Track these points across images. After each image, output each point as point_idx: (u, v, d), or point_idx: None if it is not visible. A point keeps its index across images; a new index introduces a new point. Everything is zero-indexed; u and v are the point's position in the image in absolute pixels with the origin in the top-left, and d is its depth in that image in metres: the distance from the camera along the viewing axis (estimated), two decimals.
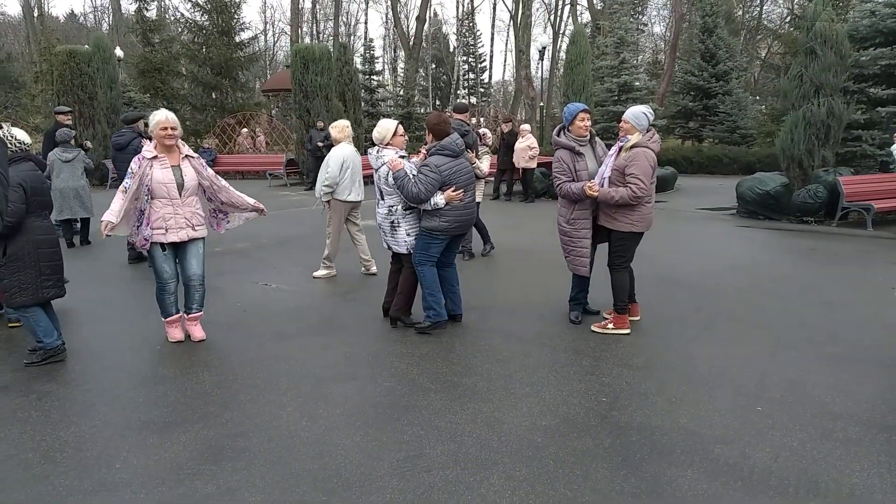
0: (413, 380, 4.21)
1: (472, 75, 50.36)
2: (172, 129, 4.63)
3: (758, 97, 30.21)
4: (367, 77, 28.03)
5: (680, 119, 24.12)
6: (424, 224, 5.00)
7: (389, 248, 5.30)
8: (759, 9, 37.92)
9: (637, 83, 18.94)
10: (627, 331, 5.11)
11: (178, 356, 4.69)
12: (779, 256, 8.24)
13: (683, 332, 5.17)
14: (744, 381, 4.17)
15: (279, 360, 4.58)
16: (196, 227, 4.83)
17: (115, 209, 4.53)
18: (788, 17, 30.70)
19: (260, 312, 5.82)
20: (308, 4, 46.75)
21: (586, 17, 40.26)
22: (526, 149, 13.87)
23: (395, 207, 5.10)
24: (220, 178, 5.06)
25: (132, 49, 31.45)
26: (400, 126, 5.21)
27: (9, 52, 38.85)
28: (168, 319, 4.98)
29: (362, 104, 23.63)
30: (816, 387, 4.07)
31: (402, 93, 30.79)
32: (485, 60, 51.30)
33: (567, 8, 43.49)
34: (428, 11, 38.09)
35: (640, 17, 41.81)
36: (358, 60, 29.86)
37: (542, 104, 23.22)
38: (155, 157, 4.61)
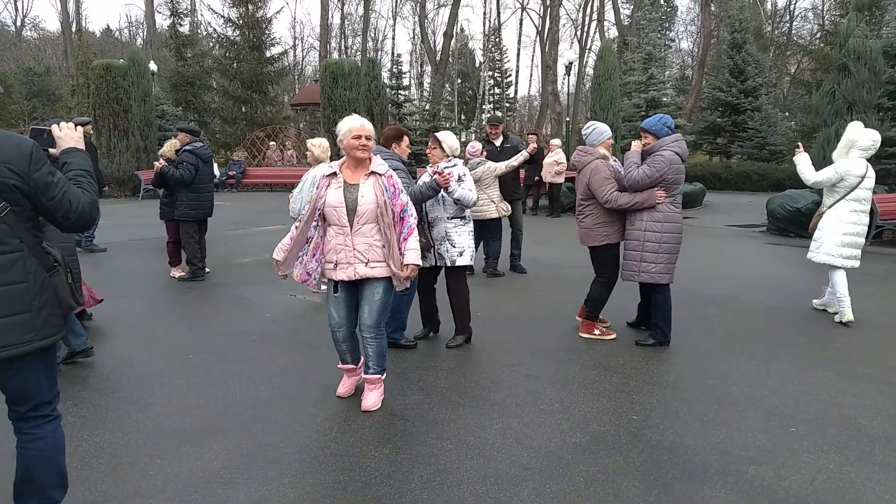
0: (441, 393, 4.21)
1: (497, 90, 50.53)
2: (367, 138, 3.74)
3: (787, 113, 29.87)
4: (395, 92, 28.31)
5: (708, 135, 23.98)
6: None
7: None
8: (788, 25, 37.63)
9: (665, 98, 18.91)
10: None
11: (210, 367, 4.75)
12: (810, 275, 8.10)
13: (714, 351, 5.11)
14: (777, 401, 4.10)
15: (308, 371, 4.62)
16: (372, 264, 3.79)
17: (283, 243, 3.93)
18: (819, 34, 30.35)
19: (289, 323, 5.88)
20: (337, 20, 47.47)
21: (613, 32, 40.29)
22: (553, 163, 13.88)
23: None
24: (413, 214, 3.92)
25: (165, 63, 32.18)
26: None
27: (47, 67, 39.94)
28: (342, 367, 4.16)
29: (390, 118, 23.86)
30: (852, 409, 3.98)
31: (428, 107, 30.98)
32: (510, 75, 51.44)
33: (594, 24, 43.59)
34: (455, 27, 38.41)
35: (668, 32, 41.70)
36: (385, 75, 30.18)
37: (567, 119, 23.20)
38: (333, 174, 3.80)
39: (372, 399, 3.96)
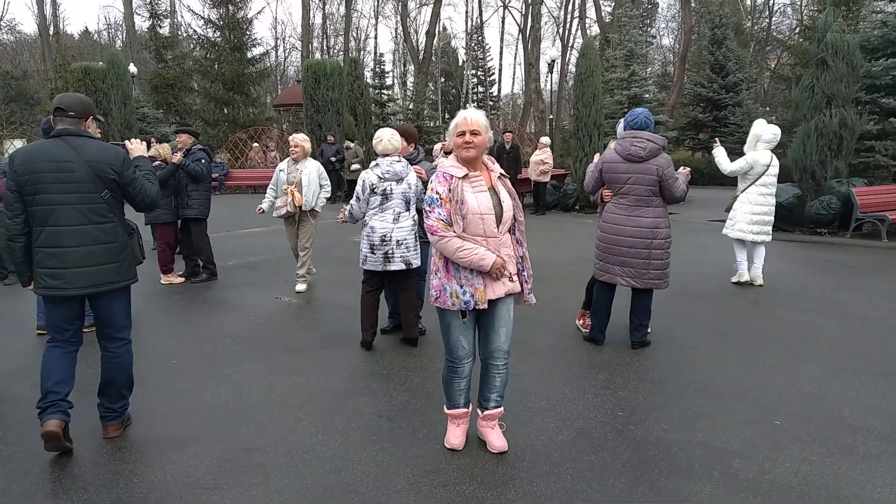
0: (428, 394, 4.20)
1: (481, 88, 50.57)
2: (473, 133, 3.16)
3: (768, 108, 30.13)
4: (378, 91, 28.23)
5: (690, 131, 24.12)
6: None
7: (389, 266, 4.94)
8: (768, 20, 37.96)
9: (647, 95, 18.95)
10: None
11: (194, 371, 4.71)
12: (793, 268, 8.19)
13: (699, 346, 5.15)
14: (761, 394, 4.14)
15: (294, 374, 4.59)
16: (513, 277, 3.31)
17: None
18: (798, 29, 30.66)
19: (273, 326, 5.84)
20: (318, 20, 47.16)
21: (595, 29, 40.41)
22: (539, 162, 13.93)
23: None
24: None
25: (145, 65, 31.87)
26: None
27: (25, 70, 39.37)
28: (453, 412, 3.51)
29: (373, 118, 23.80)
30: (835, 400, 4.03)
31: (411, 107, 30.95)
32: (493, 74, 51.54)
33: (576, 21, 43.69)
34: (437, 26, 38.31)
35: (649, 29, 41.92)
36: (368, 75, 30.07)
37: (551, 117, 23.25)
38: (466, 176, 3.20)
39: (500, 438, 3.44)
